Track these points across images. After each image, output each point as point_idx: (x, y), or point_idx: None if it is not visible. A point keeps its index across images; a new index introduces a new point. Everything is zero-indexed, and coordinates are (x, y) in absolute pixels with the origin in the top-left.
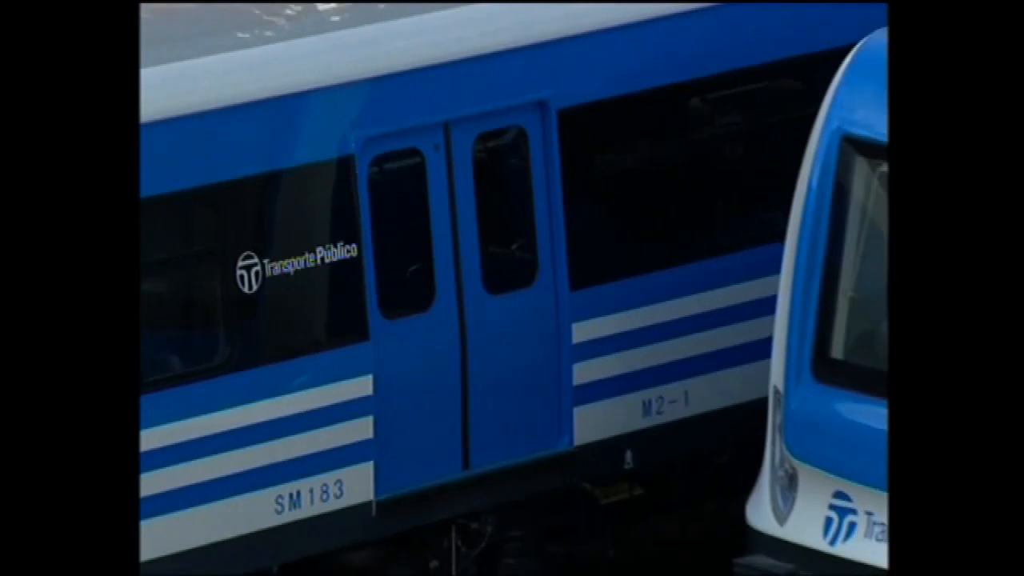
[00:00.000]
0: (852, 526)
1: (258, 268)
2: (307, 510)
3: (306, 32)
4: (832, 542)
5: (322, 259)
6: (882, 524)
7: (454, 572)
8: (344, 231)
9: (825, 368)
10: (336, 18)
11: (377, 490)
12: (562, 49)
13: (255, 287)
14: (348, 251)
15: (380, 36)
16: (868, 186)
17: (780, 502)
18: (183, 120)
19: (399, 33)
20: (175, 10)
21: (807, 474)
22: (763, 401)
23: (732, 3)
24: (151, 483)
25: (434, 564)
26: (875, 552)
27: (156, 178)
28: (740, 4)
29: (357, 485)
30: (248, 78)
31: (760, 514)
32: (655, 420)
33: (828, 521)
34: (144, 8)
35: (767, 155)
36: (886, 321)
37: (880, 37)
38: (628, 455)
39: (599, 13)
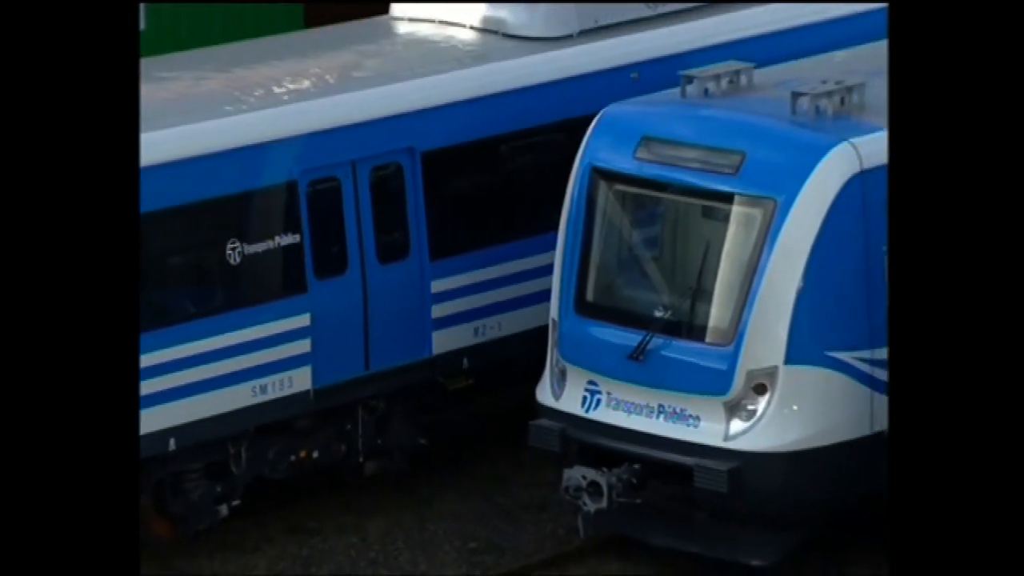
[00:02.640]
0: (599, 401)
1: (240, 249)
2: (271, 395)
3: (267, 106)
4: (587, 411)
5: (278, 243)
6: (616, 399)
7: (360, 431)
8: (291, 226)
9: (583, 306)
10: (286, 97)
11: (313, 382)
12: (422, 116)
13: (238, 260)
14: (294, 238)
15: (311, 108)
16: (607, 197)
17: (555, 387)
18: (200, 158)
19: (321, 107)
20: (189, 94)
21: (572, 370)
22: (546, 327)
23: (530, 88)
24: (181, 378)
25: (348, 427)
26: (612, 416)
27: (182, 192)
28: (534, 89)
29: (301, 380)
30: (234, 134)
31: (544, 394)
32: (481, 339)
33: (584, 398)
34: (166, 90)
35: (549, 178)
36: (618, 277)
37: (613, 108)
38: (465, 361)
39: (445, 93)
